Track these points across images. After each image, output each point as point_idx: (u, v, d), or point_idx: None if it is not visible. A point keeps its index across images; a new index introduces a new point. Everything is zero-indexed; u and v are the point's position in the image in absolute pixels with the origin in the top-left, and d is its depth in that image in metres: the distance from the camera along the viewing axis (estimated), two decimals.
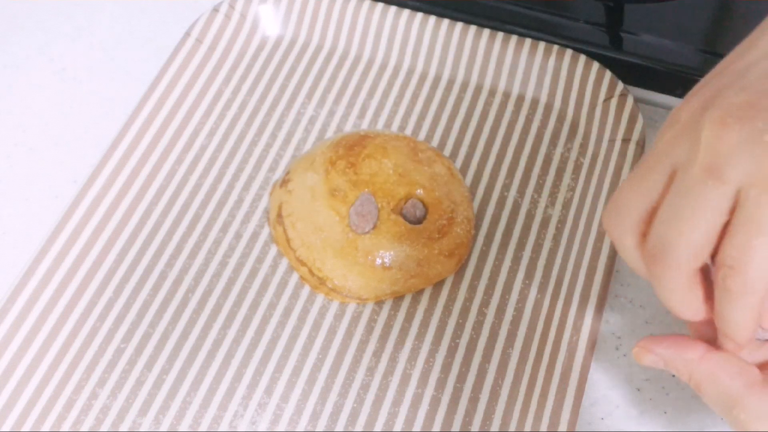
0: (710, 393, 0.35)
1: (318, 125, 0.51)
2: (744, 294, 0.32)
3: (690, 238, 0.32)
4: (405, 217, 0.45)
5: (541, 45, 0.51)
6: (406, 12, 0.53)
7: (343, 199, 0.45)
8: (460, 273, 0.46)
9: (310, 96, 0.52)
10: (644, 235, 0.34)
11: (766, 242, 0.31)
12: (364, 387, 0.42)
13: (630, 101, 0.49)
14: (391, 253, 0.44)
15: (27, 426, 0.41)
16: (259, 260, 0.46)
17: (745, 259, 0.31)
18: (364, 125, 0.51)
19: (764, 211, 0.30)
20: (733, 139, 0.31)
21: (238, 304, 0.45)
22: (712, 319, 0.34)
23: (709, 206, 0.32)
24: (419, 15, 0.53)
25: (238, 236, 0.47)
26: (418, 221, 0.45)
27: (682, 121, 0.33)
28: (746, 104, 0.31)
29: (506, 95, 0.52)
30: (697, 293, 0.34)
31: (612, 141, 0.49)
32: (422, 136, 0.50)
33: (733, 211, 0.31)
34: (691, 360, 0.35)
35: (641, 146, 0.48)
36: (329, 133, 0.50)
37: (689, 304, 0.35)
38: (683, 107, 0.33)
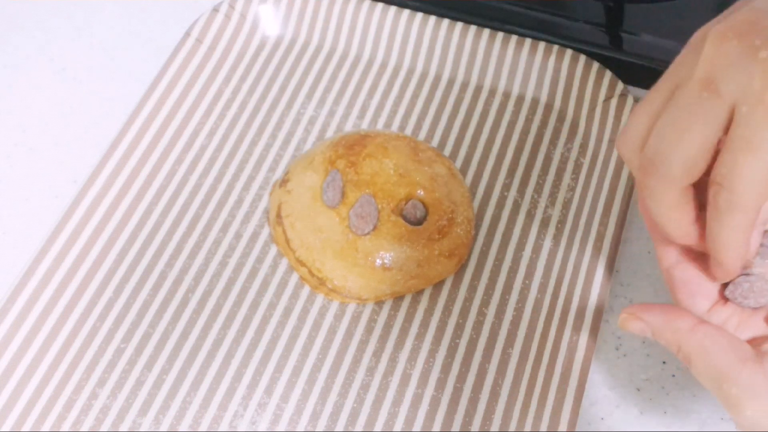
0: (700, 366, 0.34)
1: (318, 125, 0.51)
2: (732, 211, 0.32)
3: (683, 149, 0.32)
4: (405, 218, 0.45)
5: (541, 45, 0.51)
6: (406, 12, 0.53)
7: (343, 200, 0.45)
8: (460, 273, 0.46)
9: (310, 96, 0.52)
10: None
11: (754, 159, 0.30)
12: (364, 387, 0.42)
13: (630, 101, 0.49)
14: (392, 254, 0.44)
15: (27, 426, 0.41)
16: (259, 260, 0.46)
17: (733, 175, 0.31)
18: (364, 125, 0.51)
19: (752, 128, 0.30)
20: (730, 53, 0.31)
21: (238, 304, 0.45)
22: (700, 247, 0.35)
23: (703, 118, 0.31)
24: (419, 15, 0.53)
25: (238, 236, 0.47)
26: (419, 222, 0.45)
27: (692, 42, 0.33)
28: (748, 21, 0.31)
29: (506, 95, 0.52)
30: (689, 212, 0.34)
31: (612, 141, 0.49)
32: (422, 136, 0.50)
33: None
34: (681, 330, 0.35)
35: None
36: (329, 133, 0.50)
37: (679, 222, 0.34)
38: (697, 31, 0.33)
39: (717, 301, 0.37)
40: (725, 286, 0.38)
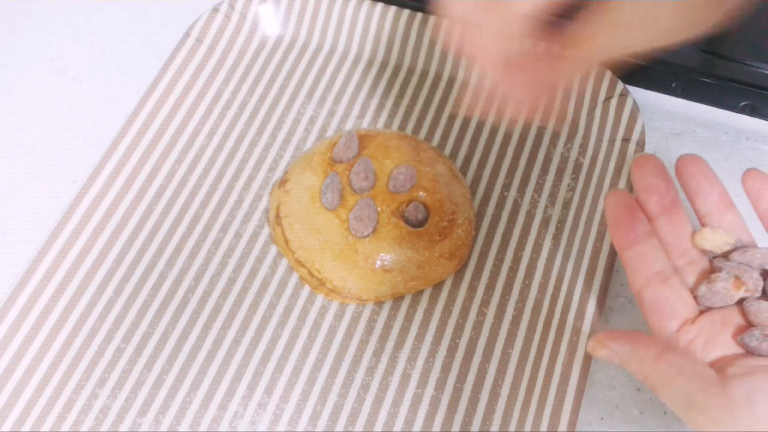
0: (666, 395, 0.35)
1: (318, 125, 0.51)
2: None
3: None
4: (407, 220, 0.44)
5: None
6: (406, 12, 0.53)
7: (342, 203, 0.45)
8: (460, 273, 0.45)
9: (310, 96, 0.52)
10: None
11: None
12: (364, 387, 0.42)
13: (630, 101, 0.49)
14: (392, 256, 0.44)
15: (27, 426, 0.41)
16: (259, 260, 0.46)
17: None
18: (364, 125, 0.51)
19: None
20: None
21: (238, 304, 0.45)
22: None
23: None
24: (419, 15, 0.53)
25: (238, 236, 0.47)
26: (420, 224, 0.45)
27: None
28: None
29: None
30: None
31: (612, 141, 0.49)
32: (422, 136, 0.50)
33: None
34: (645, 360, 0.36)
35: (641, 146, 0.48)
36: (329, 133, 0.50)
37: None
38: None
39: (686, 321, 0.38)
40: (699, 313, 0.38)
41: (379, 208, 0.44)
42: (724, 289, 0.38)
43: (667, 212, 0.40)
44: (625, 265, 0.40)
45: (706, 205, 0.40)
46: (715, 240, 0.39)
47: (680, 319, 0.38)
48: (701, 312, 0.39)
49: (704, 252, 0.40)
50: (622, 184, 0.47)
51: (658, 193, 0.41)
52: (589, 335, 0.43)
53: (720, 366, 0.36)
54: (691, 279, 0.40)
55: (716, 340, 0.37)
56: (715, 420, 0.33)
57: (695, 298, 0.39)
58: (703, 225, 0.40)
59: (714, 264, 0.40)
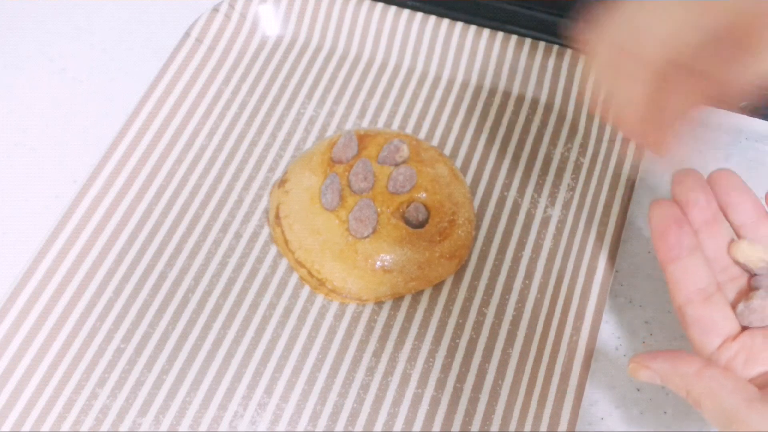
0: (709, 409, 0.35)
1: (318, 125, 0.51)
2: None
3: None
4: (407, 221, 0.44)
5: (541, 45, 0.51)
6: (406, 12, 0.53)
7: (342, 204, 0.45)
8: (460, 273, 0.45)
9: (310, 96, 0.52)
10: None
11: None
12: (364, 387, 0.42)
13: None
14: (392, 256, 0.44)
15: (27, 426, 0.41)
16: (259, 260, 0.46)
17: None
18: (364, 125, 0.51)
19: None
20: None
21: (238, 304, 0.45)
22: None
23: None
24: (419, 15, 0.53)
25: (238, 236, 0.47)
26: (421, 225, 0.45)
27: None
28: None
29: (506, 95, 0.52)
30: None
31: (612, 141, 0.49)
32: (422, 135, 0.50)
33: None
34: (687, 375, 0.36)
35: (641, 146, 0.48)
36: (329, 133, 0.50)
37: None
38: None
39: (727, 338, 0.38)
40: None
41: (378, 209, 0.44)
42: (761, 307, 0.38)
43: (708, 227, 0.40)
44: (668, 279, 0.39)
45: (740, 217, 0.40)
46: (751, 254, 0.39)
47: (722, 336, 0.38)
48: (743, 329, 0.38)
49: (739, 264, 0.40)
50: (622, 184, 0.47)
51: (698, 208, 0.40)
52: (590, 334, 0.43)
53: (761, 383, 0.36)
54: (731, 295, 0.40)
55: (758, 358, 0.37)
56: None
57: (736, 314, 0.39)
58: (740, 237, 0.40)
59: (752, 282, 0.39)
